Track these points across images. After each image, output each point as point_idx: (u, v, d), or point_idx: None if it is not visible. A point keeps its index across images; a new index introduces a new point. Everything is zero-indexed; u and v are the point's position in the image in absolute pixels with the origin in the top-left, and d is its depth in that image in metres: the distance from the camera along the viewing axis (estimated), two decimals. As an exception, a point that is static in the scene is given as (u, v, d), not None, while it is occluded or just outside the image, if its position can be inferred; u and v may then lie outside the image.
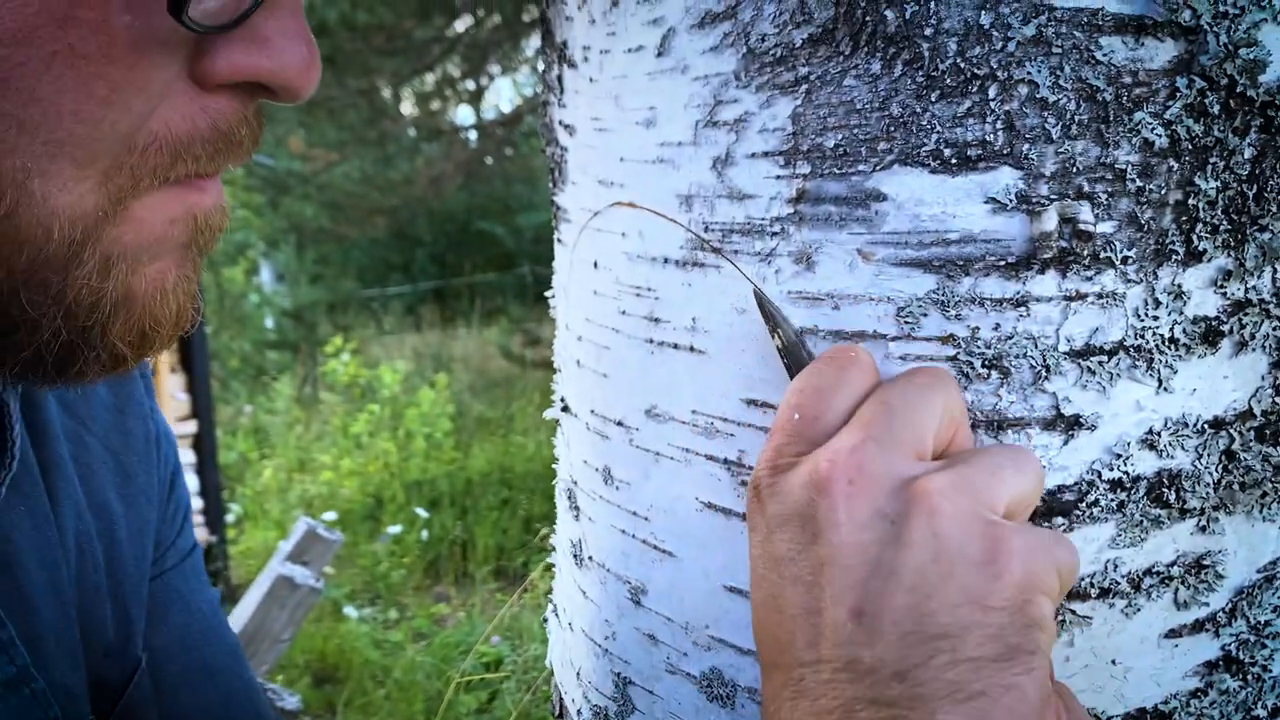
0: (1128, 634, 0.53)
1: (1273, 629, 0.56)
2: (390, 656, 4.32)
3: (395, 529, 5.30)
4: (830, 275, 0.51)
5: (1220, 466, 0.52)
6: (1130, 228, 0.48)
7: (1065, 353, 0.49)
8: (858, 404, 0.47)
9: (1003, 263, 0.48)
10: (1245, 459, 0.53)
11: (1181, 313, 0.50)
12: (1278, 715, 0.58)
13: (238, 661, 0.73)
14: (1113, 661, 0.54)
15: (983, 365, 0.49)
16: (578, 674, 0.72)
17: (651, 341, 0.59)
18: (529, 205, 13.08)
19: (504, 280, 12.21)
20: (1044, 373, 0.49)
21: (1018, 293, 0.49)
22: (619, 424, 0.63)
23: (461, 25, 8.76)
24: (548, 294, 0.74)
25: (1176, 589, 0.53)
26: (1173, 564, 0.53)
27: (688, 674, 0.61)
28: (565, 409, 0.70)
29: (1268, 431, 0.53)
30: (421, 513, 5.44)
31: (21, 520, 0.56)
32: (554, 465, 0.78)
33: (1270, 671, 0.57)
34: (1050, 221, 0.47)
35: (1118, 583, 0.52)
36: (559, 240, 0.69)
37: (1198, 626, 0.54)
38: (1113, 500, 0.51)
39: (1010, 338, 0.49)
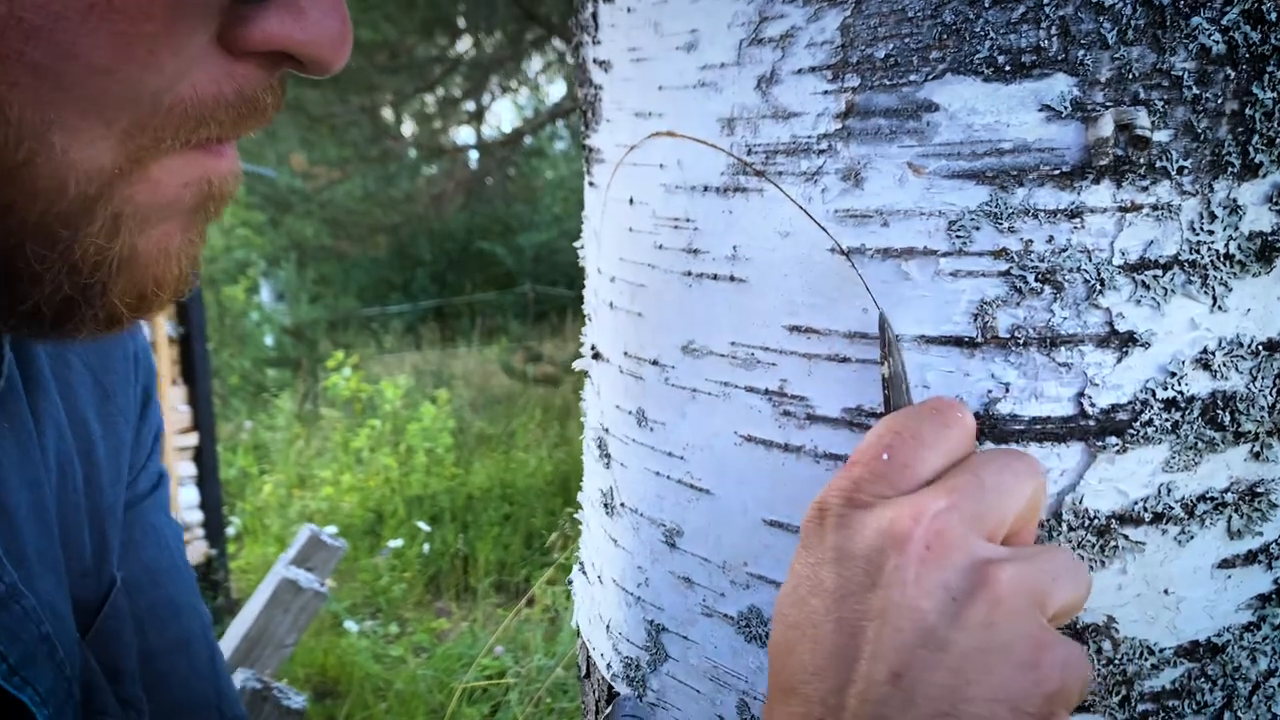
0: (1181, 563, 0.52)
1: (1325, 565, 0.55)
2: (391, 670, 4.28)
3: (396, 543, 5.27)
4: (879, 191, 0.50)
5: (1275, 390, 0.51)
6: (1186, 137, 0.47)
7: (1119, 267, 0.48)
8: (950, 466, 0.46)
9: (1057, 172, 0.47)
10: (1300, 383, 0.52)
11: (1237, 228, 0.49)
12: (1329, 655, 0.57)
13: (197, 598, 0.73)
14: (1165, 591, 0.52)
15: (1036, 279, 0.49)
16: (607, 627, 0.70)
17: (689, 274, 0.58)
18: (530, 225, 13.10)
19: (504, 299, 12.22)
20: (1098, 287, 0.48)
21: (1072, 204, 0.48)
22: (654, 363, 0.62)
23: (463, 45, 8.80)
24: (576, 244, 0.74)
25: (1230, 517, 0.52)
26: (1226, 490, 0.52)
27: (725, 615, 0.60)
28: (596, 355, 0.69)
29: (1320, 356, 0.52)
30: (423, 526, 5.41)
31: (5, 438, 0.55)
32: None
33: (1321, 610, 0.55)
34: (1106, 127, 0.46)
35: (1171, 508, 0.51)
36: (590, 184, 0.68)
37: (1251, 558, 0.53)
38: (1167, 420, 0.50)
39: (1064, 251, 0.48)
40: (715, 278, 0.57)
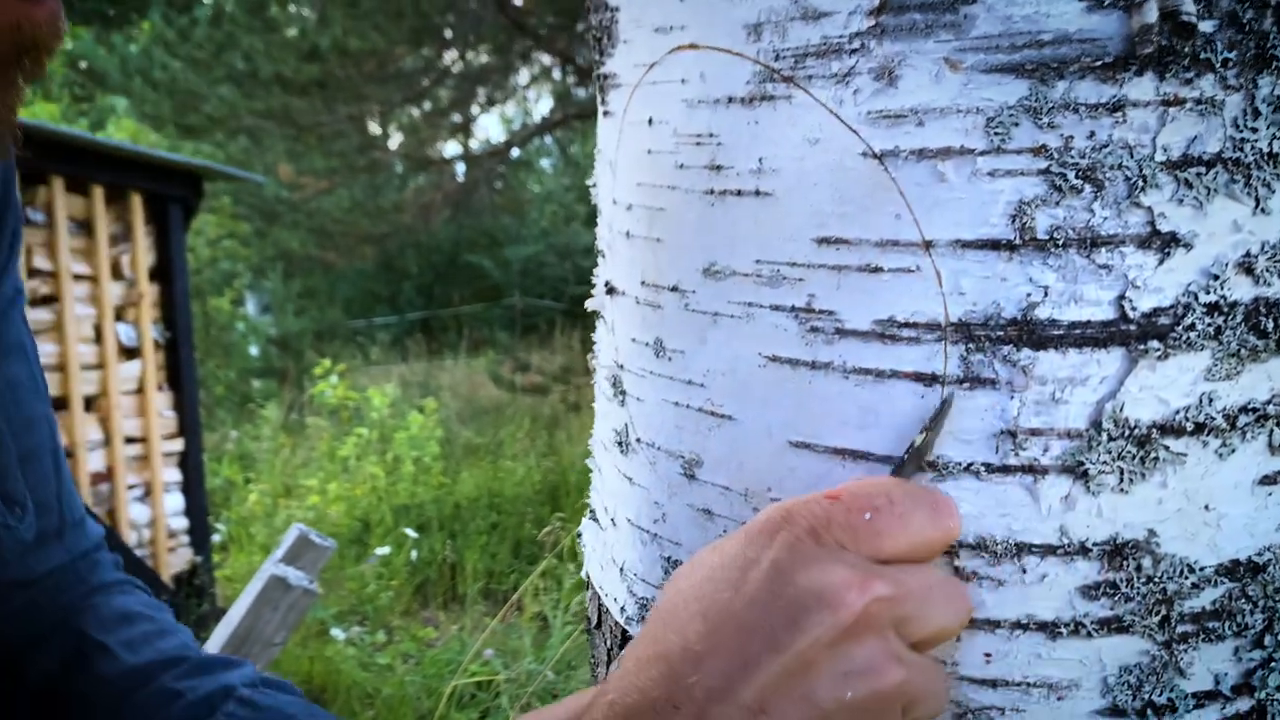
0: (1221, 478, 0.51)
1: (1363, 487, 0.53)
2: (378, 678, 4.24)
3: (383, 550, 5.22)
4: (914, 89, 0.49)
5: (1316, 298, 0.50)
6: (1231, 28, 0.46)
7: (1161, 164, 0.47)
8: (911, 559, 0.48)
9: (1099, 64, 0.46)
10: (1341, 292, 0.50)
11: (1280, 125, 0.48)
12: (1368, 582, 0.55)
13: (47, 406, 0.73)
14: (1206, 507, 0.51)
15: (1076, 177, 0.47)
16: (621, 569, 0.68)
17: (712, 193, 0.57)
18: (517, 239, 13.10)
19: (491, 313, 12.21)
20: (1140, 185, 0.47)
21: (1114, 97, 0.46)
22: (673, 290, 0.60)
23: (450, 56, 8.81)
24: (588, 181, 0.72)
25: (1271, 431, 0.51)
26: (1269, 402, 0.51)
27: (747, 548, 0.58)
28: (611, 291, 0.67)
29: (1363, 265, 0.50)
30: (411, 533, 5.37)
31: None
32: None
33: (1361, 534, 0.54)
34: (1150, 13, 0.45)
35: (1213, 418, 0.50)
36: (605, 113, 0.66)
37: (1289, 475, 0.52)
38: (1209, 325, 0.49)
39: (1105, 147, 0.47)
40: (739, 193, 0.55)
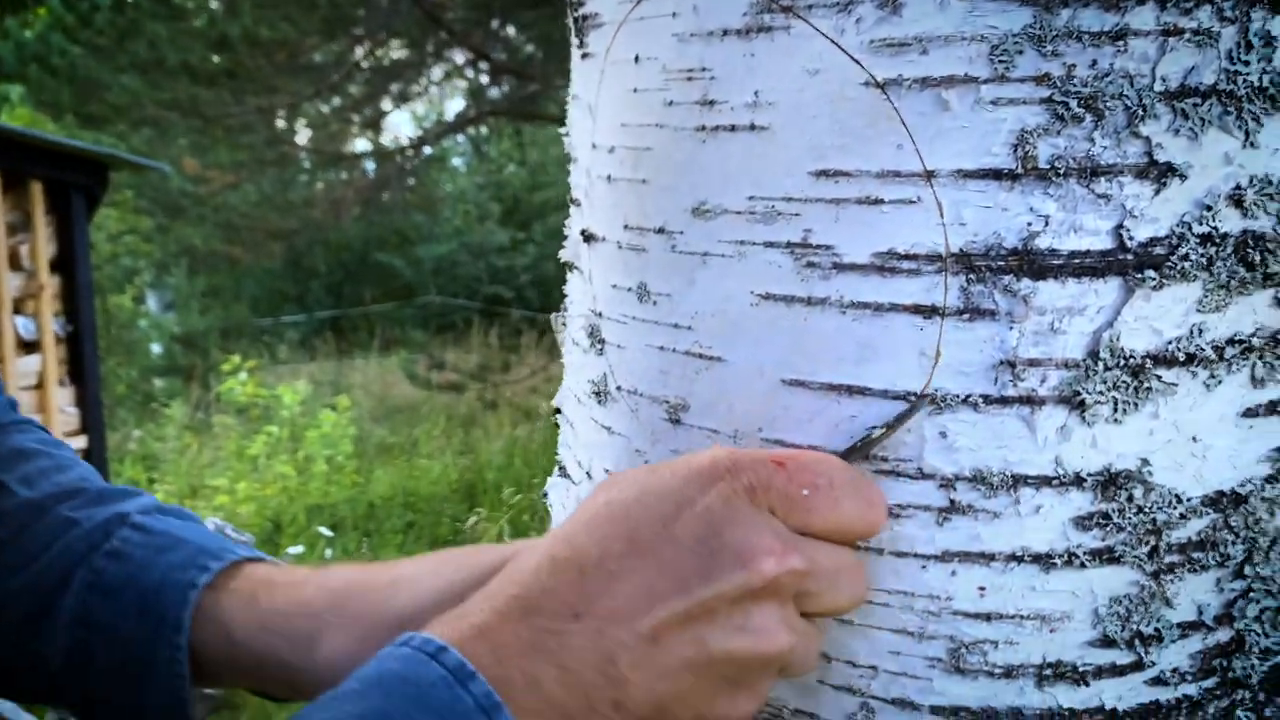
0: (1208, 410, 0.52)
1: (1333, 423, 0.55)
2: (292, 679, 4.13)
3: (296, 549, 5.11)
4: (918, 17, 0.49)
5: (1298, 233, 0.51)
6: (1227, -40, 0.47)
7: (1160, 94, 0.48)
8: (838, 542, 0.50)
9: (1103, -9, 0.47)
10: (1321, 228, 0.52)
11: (1270, 60, 0.49)
12: (1336, 516, 0.57)
13: None
14: (1194, 439, 0.52)
15: (1078, 105, 0.48)
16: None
17: (703, 129, 0.56)
18: (430, 237, 12.95)
19: (403, 312, 12.04)
20: (1139, 114, 0.48)
21: (1116, 25, 0.47)
22: (659, 231, 0.59)
23: (364, 49, 8.67)
24: (562, 131, 0.71)
25: (1254, 364, 0.52)
26: (1253, 335, 0.52)
27: (735, 491, 0.58)
28: (589, 239, 0.66)
29: (1340, 202, 0.52)
30: (325, 532, 5.26)
31: None
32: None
33: (1330, 469, 0.56)
34: (1155, -59, 0.46)
35: (1202, 349, 0.51)
36: (583, 55, 0.65)
37: (1272, 408, 0.53)
38: (1202, 256, 0.49)
39: (1106, 76, 0.47)
40: (733, 129, 0.55)
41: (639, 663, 0.44)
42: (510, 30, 9.15)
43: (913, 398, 0.52)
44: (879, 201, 0.51)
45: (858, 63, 0.50)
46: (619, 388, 0.64)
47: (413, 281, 12.45)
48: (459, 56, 9.85)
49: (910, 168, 0.50)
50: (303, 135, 10.07)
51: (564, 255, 0.71)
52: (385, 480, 6.16)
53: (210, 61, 6.46)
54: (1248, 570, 0.54)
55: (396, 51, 9.37)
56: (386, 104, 10.57)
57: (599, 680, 0.43)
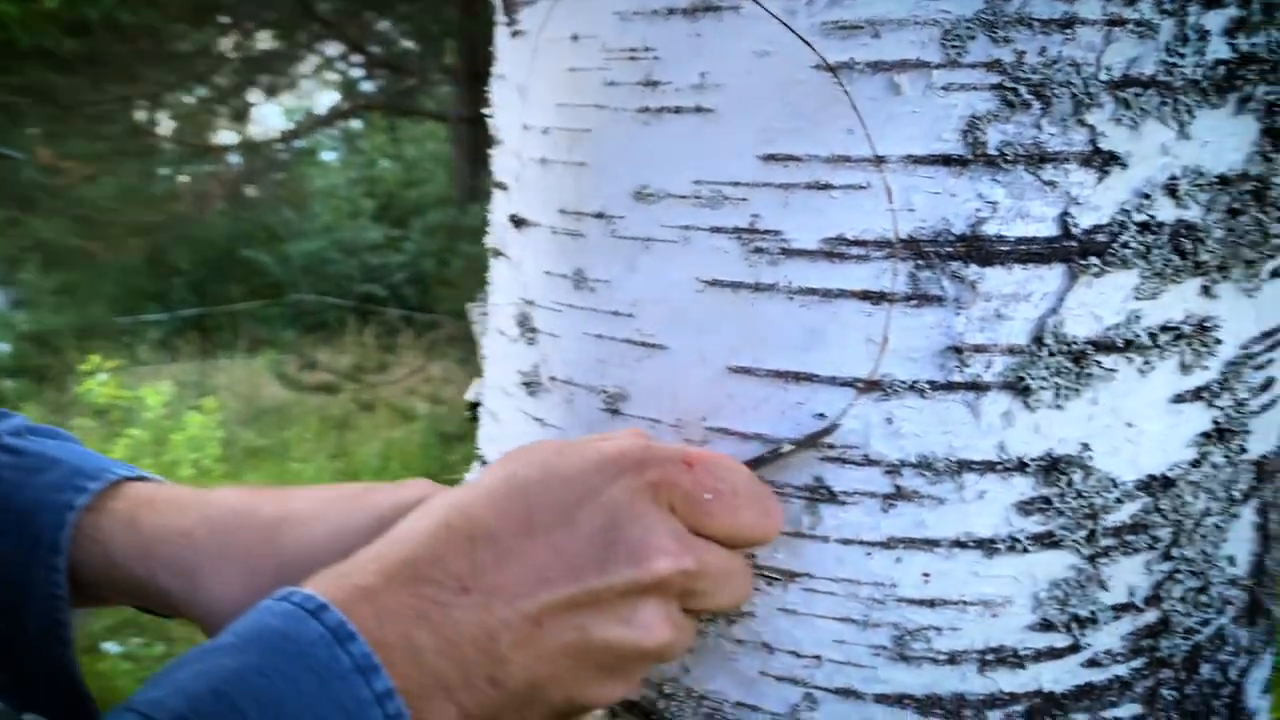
0: (1142, 395, 0.53)
1: (1248, 409, 0.57)
2: (159, 693, 3.95)
3: (163, 557, 4.88)
4: (872, 0, 0.48)
5: (1224, 224, 0.53)
6: (1167, -46, 0.48)
7: (1104, 83, 0.49)
8: (731, 546, 0.51)
9: (1053, -20, 0.47)
10: (1243, 220, 0.54)
11: (1203, 54, 0.50)
12: (1248, 497, 0.59)
13: None
14: (1128, 424, 0.53)
15: (1028, 92, 0.48)
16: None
17: (646, 110, 0.55)
18: (299, 234, 12.58)
19: (271, 310, 11.67)
20: (1085, 101, 0.48)
21: (1065, 13, 0.47)
22: (598, 216, 0.58)
23: (232, 39, 8.38)
24: (485, 111, 0.68)
25: (1183, 351, 0.54)
26: (1183, 322, 0.53)
27: (675, 482, 0.57)
28: (519, 223, 0.64)
29: (1260, 194, 0.54)
30: (193, 538, 5.04)
31: None
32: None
33: (1245, 453, 0.58)
34: (1104, -68, 0.46)
35: (1138, 336, 0.52)
36: (514, 33, 0.63)
37: (1196, 394, 0.55)
38: (1141, 244, 0.50)
39: (1055, 63, 0.48)
40: (678, 111, 0.54)
41: (520, 642, 0.44)
42: (386, 23, 8.97)
43: (860, 384, 0.51)
44: (828, 186, 0.51)
45: (809, 45, 0.50)
46: (552, 378, 0.62)
47: (281, 279, 12.07)
48: (332, 48, 9.62)
49: (860, 153, 0.50)
50: (166, 126, 9.66)
51: (488, 242, 0.68)
52: (255, 484, 5.95)
53: (67, 46, 6.14)
54: (1174, 552, 0.56)
55: (266, 42, 9.09)
56: (255, 96, 10.24)
57: (478, 656, 0.44)
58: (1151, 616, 0.56)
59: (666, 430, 0.57)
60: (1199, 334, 0.54)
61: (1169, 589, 0.56)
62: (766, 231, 0.52)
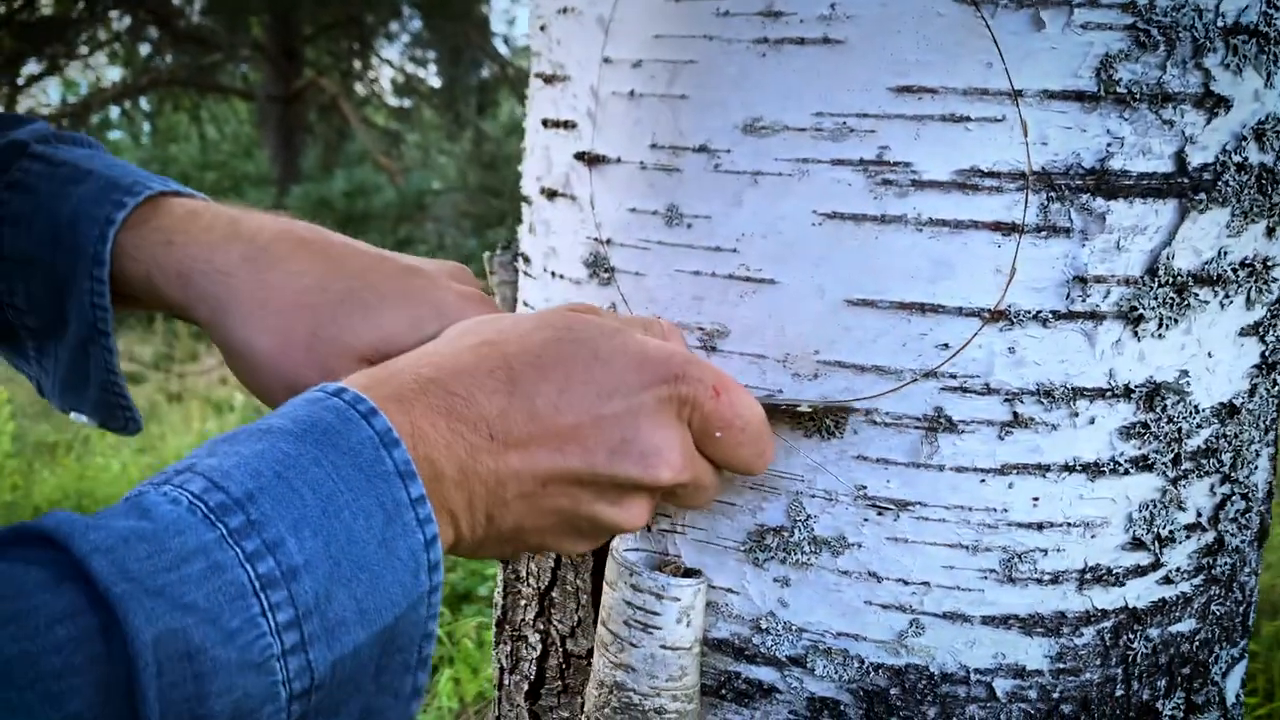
0: (1220, 327, 0.57)
1: (1281, 346, 0.62)
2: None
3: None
4: (1018, -63, 0.50)
5: (1289, 170, 0.57)
6: (1276, -89, 0.52)
7: (1220, 29, 0.52)
8: (720, 468, 0.55)
9: (1188, -74, 0.50)
10: (1301, 167, 0.58)
11: (1290, 9, 0.54)
12: (1269, 429, 0.64)
13: None
14: (1209, 354, 0.57)
15: (1159, 33, 0.51)
16: (595, 463, 0.64)
17: (765, 41, 0.54)
18: (85, 216, 11.71)
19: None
20: (1205, 46, 0.51)
21: (1195, -40, 0.50)
22: (699, 150, 0.57)
23: (6, 7, 7.73)
24: (526, 41, 0.66)
25: (1250, 287, 0.58)
26: (1253, 260, 0.57)
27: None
28: (594, 160, 0.62)
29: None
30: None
31: None
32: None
33: (1277, 386, 0.63)
34: (1239, -117, 0.49)
35: (1224, 271, 0.56)
36: (594, -34, 0.61)
37: (1255, 328, 0.59)
38: (1237, 184, 0.54)
39: (1182, 8, 0.51)
40: (802, 42, 0.54)
41: (522, 495, 0.48)
42: (188, -6, 8.48)
43: (986, 314, 0.53)
44: (964, 119, 0.52)
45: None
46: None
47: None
48: (124, 20, 9.02)
49: (998, 86, 0.51)
50: (-68, 94, 8.82)
51: (547, 183, 0.66)
52: (52, 482, 5.52)
53: None
54: (1233, 475, 0.60)
55: (48, 8, 8.43)
56: (33, 67, 9.48)
57: (485, 495, 0.47)
58: (1210, 536, 0.61)
59: (773, 365, 0.57)
60: (1265, 271, 0.58)
61: (1226, 510, 0.61)
62: (896, 163, 0.53)
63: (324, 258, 0.60)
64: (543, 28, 0.67)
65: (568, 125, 0.65)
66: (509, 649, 0.74)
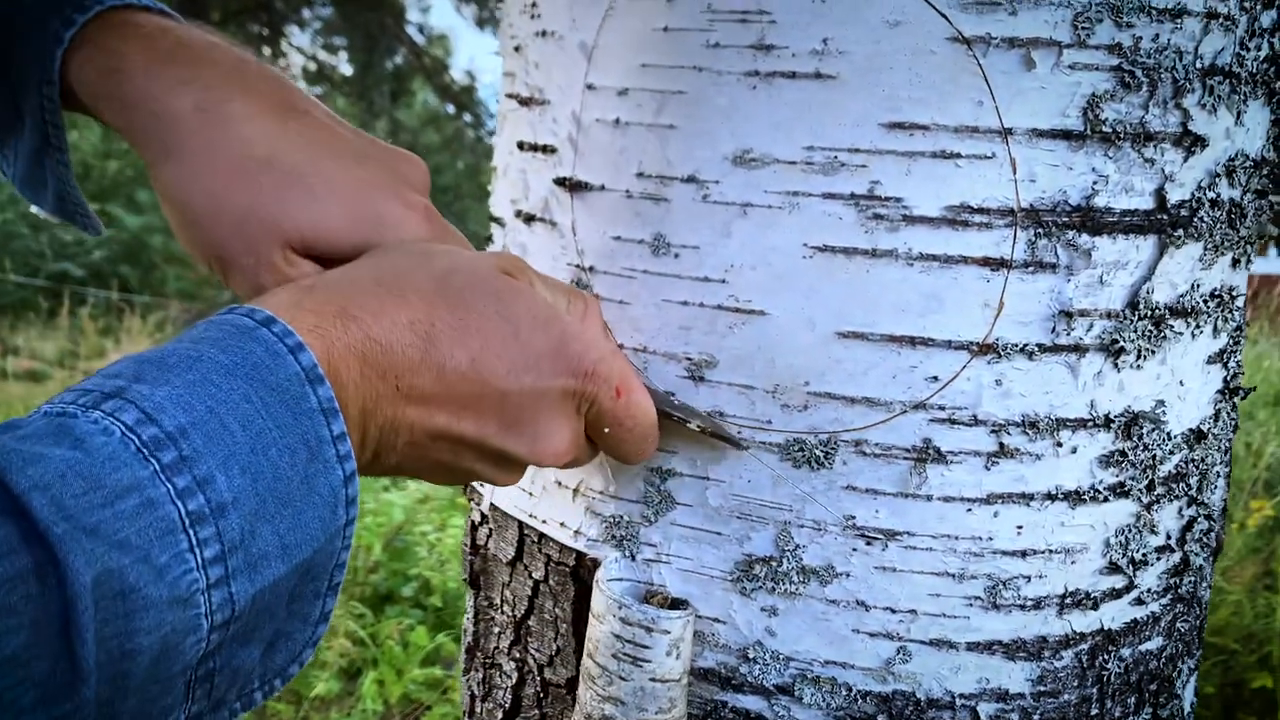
0: (1190, 356, 0.59)
1: (1241, 369, 0.64)
2: None
3: None
4: (1010, -22, 0.51)
5: (1254, 203, 0.59)
6: (1251, -43, 0.53)
7: (1198, 70, 0.53)
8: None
9: (1172, -28, 0.51)
10: (1264, 201, 0.60)
11: (1260, 49, 0.56)
12: (1228, 450, 0.66)
13: None
14: (1181, 382, 0.59)
15: (1142, 74, 0.52)
16: (575, 490, 0.63)
17: (756, 74, 0.54)
18: (-22, 206, 11.28)
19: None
20: (1184, 86, 0.53)
21: (1177, 4, 0.52)
22: (688, 180, 0.57)
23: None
24: (506, 73, 0.65)
25: (1217, 317, 0.60)
26: (1220, 291, 0.59)
27: (765, 444, 0.57)
28: (575, 187, 0.61)
29: (1276, 178, 0.61)
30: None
31: None
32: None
33: (1235, 410, 0.65)
34: (1220, -69, 0.51)
35: (1197, 302, 0.57)
36: (577, -10, 0.61)
37: (1219, 356, 0.61)
38: (1210, 219, 0.56)
39: (1164, 50, 0.52)
40: (793, 76, 0.54)
41: (412, 444, 0.50)
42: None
43: (974, 347, 0.54)
44: (955, 155, 0.52)
45: (945, 18, 0.51)
46: (620, 346, 0.60)
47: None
48: None
49: (988, 124, 0.52)
50: None
51: (518, 207, 0.65)
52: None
53: None
54: (1199, 498, 0.62)
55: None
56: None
57: (377, 436, 0.48)
58: (1177, 557, 0.62)
59: (761, 396, 0.57)
60: (1230, 301, 0.60)
61: (1191, 531, 0.63)
62: (887, 198, 0.53)
63: (279, 128, 0.57)
64: (517, 48, 0.66)
65: (547, 150, 0.64)
66: (481, 676, 0.73)
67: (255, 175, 0.55)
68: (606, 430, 0.55)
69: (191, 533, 0.38)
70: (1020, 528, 0.56)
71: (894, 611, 0.57)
